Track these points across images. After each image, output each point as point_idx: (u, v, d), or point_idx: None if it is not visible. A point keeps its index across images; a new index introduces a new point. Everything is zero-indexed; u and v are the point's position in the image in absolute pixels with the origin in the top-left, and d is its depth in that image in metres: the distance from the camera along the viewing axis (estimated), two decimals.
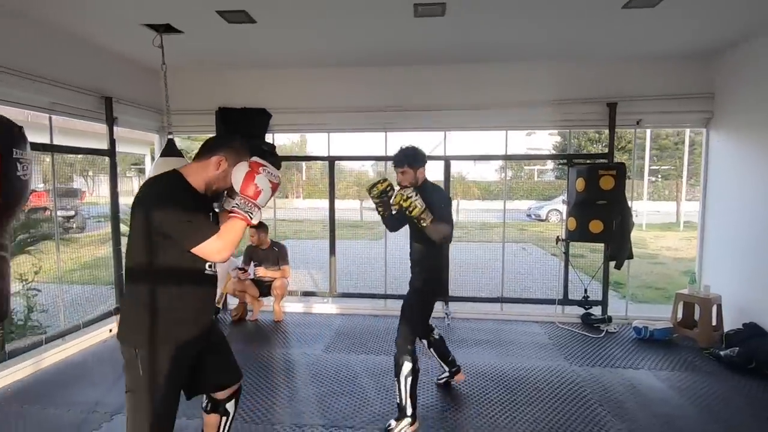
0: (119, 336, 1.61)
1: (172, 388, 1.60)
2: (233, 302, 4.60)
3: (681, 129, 14.12)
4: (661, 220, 14.42)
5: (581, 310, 4.37)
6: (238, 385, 1.92)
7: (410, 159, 2.52)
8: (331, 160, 4.63)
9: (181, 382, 1.64)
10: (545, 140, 25.97)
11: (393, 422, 2.41)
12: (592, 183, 3.87)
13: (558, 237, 4.41)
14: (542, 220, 15.46)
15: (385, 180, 2.66)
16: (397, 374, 2.39)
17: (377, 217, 2.77)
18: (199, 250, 1.51)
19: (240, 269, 4.34)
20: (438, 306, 4.53)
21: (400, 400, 2.39)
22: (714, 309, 3.78)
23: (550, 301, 4.50)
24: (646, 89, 4.15)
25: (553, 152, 18.24)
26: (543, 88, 4.27)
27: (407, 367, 2.38)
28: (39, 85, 3.21)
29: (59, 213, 3.89)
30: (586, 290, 4.34)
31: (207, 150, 1.63)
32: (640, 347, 3.73)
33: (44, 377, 3.14)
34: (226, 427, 1.96)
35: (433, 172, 4.78)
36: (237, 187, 1.58)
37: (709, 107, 4.09)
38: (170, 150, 3.59)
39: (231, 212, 1.57)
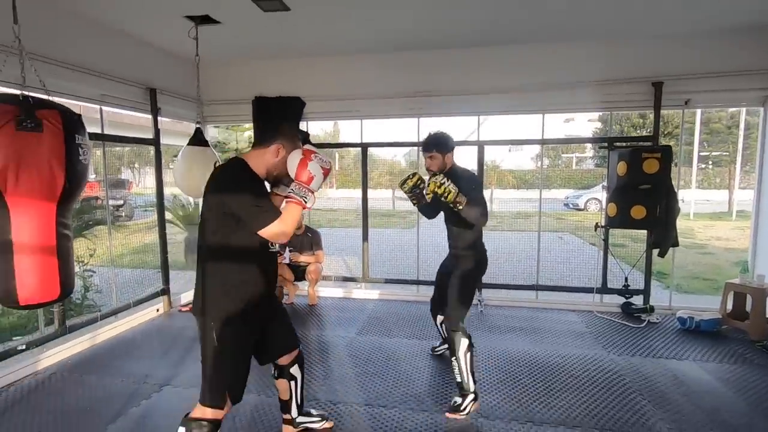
0: (194, 310, 1.77)
1: (241, 357, 1.78)
2: None
3: (735, 110, 13.18)
4: (711, 209, 13.60)
5: (621, 300, 4.23)
6: (297, 351, 2.10)
7: (439, 144, 2.56)
8: (364, 147, 4.66)
9: (250, 351, 1.82)
10: (584, 127, 24.97)
11: (458, 399, 2.45)
12: (634, 166, 3.70)
13: (597, 224, 4.26)
14: (580, 210, 14.95)
15: (415, 174, 2.69)
16: (455, 352, 2.44)
17: (409, 206, 2.84)
18: (265, 232, 1.63)
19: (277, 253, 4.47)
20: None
21: (462, 377, 2.42)
22: (767, 300, 3.56)
23: (588, 290, 4.37)
24: (695, 66, 3.89)
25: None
26: (583, 68, 4.10)
27: (464, 343, 2.43)
28: (90, 78, 3.40)
29: (110, 202, 4.15)
30: (626, 278, 4.18)
31: (266, 138, 1.76)
32: (684, 338, 3.57)
33: (99, 351, 3.38)
34: (297, 392, 2.15)
35: (467, 159, 4.74)
36: (292, 174, 1.71)
37: (767, 84, 3.80)
38: (197, 139, 3.72)
39: (287, 197, 1.70)
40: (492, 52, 4.22)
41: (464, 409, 2.40)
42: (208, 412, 1.72)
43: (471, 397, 2.41)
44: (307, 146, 1.74)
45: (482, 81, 4.27)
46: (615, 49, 4.03)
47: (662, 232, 3.87)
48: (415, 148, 4.60)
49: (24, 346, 2.91)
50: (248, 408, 2.52)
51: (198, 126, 3.79)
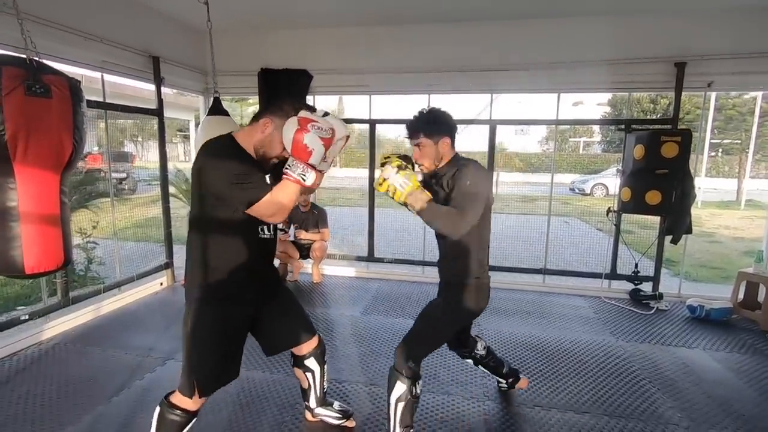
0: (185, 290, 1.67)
1: (218, 346, 1.61)
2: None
3: (750, 96, 12.88)
4: (719, 198, 13.44)
5: (629, 286, 4.17)
6: (314, 342, 1.97)
7: (428, 125, 1.83)
8: (372, 123, 4.54)
9: (228, 344, 1.64)
10: (593, 110, 24.51)
11: None
12: (652, 150, 3.59)
13: (609, 208, 4.16)
14: (586, 195, 14.81)
15: (389, 157, 1.82)
16: (388, 393, 1.84)
17: None
18: (253, 211, 1.49)
19: (281, 230, 4.42)
20: None
21: (388, 425, 1.86)
22: None
23: (597, 275, 4.31)
24: (720, 46, 3.72)
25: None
26: (601, 45, 3.93)
27: (400, 388, 1.80)
28: (92, 43, 3.28)
29: (113, 175, 4.07)
30: (636, 265, 4.11)
31: (257, 114, 1.61)
32: (694, 326, 3.52)
33: (103, 323, 3.36)
34: (317, 383, 2.04)
35: (477, 141, 4.61)
36: (288, 149, 1.50)
37: None
38: (216, 109, 3.63)
39: (283, 174, 1.50)
40: (506, 27, 4.05)
41: None
42: (185, 401, 1.60)
43: None
44: (304, 113, 1.48)
45: (496, 57, 4.11)
46: (635, 26, 3.84)
47: (676, 218, 3.78)
48: None
49: (27, 316, 2.88)
50: (256, 383, 2.50)
51: (216, 96, 3.68)
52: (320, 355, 2.01)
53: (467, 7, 3.69)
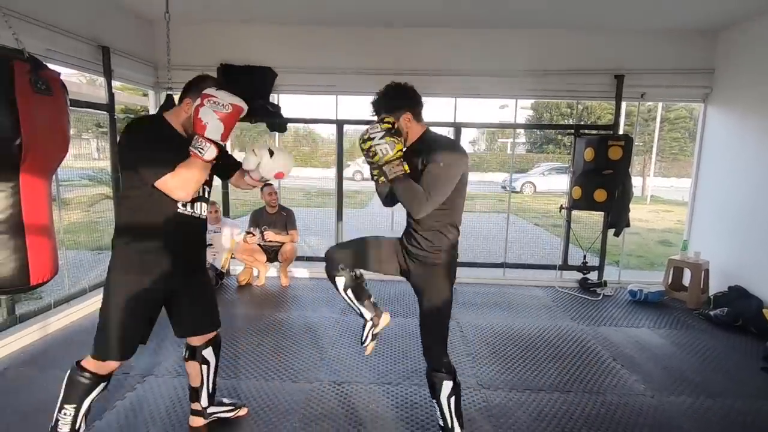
0: None
1: (124, 313, 1.64)
2: (235, 268, 4.54)
3: (652, 104, 14.68)
4: None
5: (578, 276, 4.61)
6: (213, 334, 1.98)
7: (387, 101, 1.74)
8: (340, 123, 4.53)
9: (136, 311, 1.66)
10: (518, 114, 26.30)
11: None
12: (600, 153, 4.01)
13: (561, 205, 4.56)
14: (516, 192, 15.91)
15: (383, 118, 1.70)
16: (437, 395, 1.83)
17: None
18: (160, 185, 1.54)
19: (248, 233, 4.26)
20: None
21: (444, 423, 1.84)
22: (702, 274, 4.08)
23: (552, 267, 4.70)
24: (651, 62, 4.26)
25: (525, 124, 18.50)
26: (552, 57, 4.29)
27: (447, 386, 1.81)
28: (35, 28, 2.92)
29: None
30: (585, 256, 4.56)
31: (180, 95, 1.68)
32: (636, 308, 4.00)
33: (56, 342, 3.01)
34: (210, 378, 2.03)
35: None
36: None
37: (708, 83, 4.27)
38: (169, 105, 3.38)
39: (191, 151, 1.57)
40: (470, 35, 4.27)
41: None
42: (92, 363, 1.68)
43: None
44: (207, 90, 1.53)
45: (459, 63, 4.32)
46: (582, 40, 4.26)
47: (618, 214, 4.25)
48: None
49: None
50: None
51: (170, 93, 3.42)
52: (217, 346, 2.03)
53: (433, 11, 3.84)
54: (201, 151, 1.53)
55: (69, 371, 1.70)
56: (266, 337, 3.16)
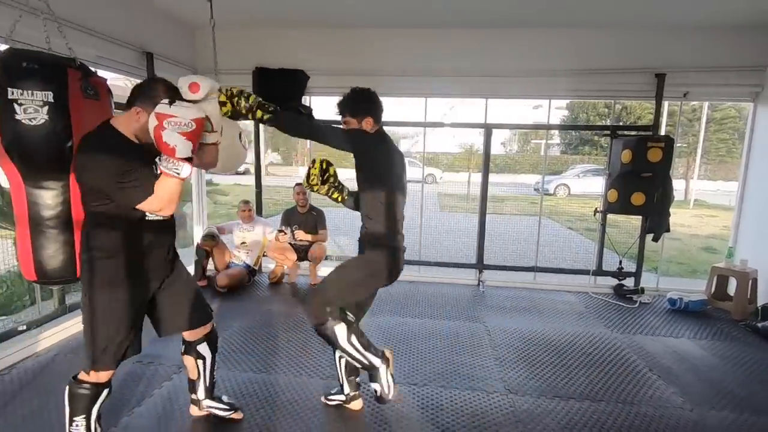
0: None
1: (116, 327, 1.61)
2: (267, 265, 4.66)
3: (697, 103, 13.95)
4: None
5: (613, 282, 4.45)
6: (207, 328, 1.97)
7: (352, 104, 1.92)
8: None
9: (127, 324, 1.64)
10: (553, 114, 25.64)
11: (374, 385, 1.99)
12: (639, 155, 3.86)
13: (596, 209, 4.42)
14: (550, 195, 15.50)
15: (313, 161, 2.06)
16: (335, 345, 1.92)
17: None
18: (142, 208, 1.51)
19: (279, 231, 4.37)
20: (472, 274, 4.62)
21: (359, 362, 1.94)
22: (750, 283, 3.86)
23: (585, 272, 4.57)
24: (695, 59, 4.06)
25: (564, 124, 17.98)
26: (590, 56, 4.17)
27: (341, 330, 1.89)
28: (88, 38, 3.12)
29: None
30: (620, 261, 4.40)
31: (128, 99, 1.56)
32: (675, 317, 3.82)
33: None
34: (207, 373, 2.05)
35: (444, 141, 4.67)
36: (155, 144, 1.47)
37: (759, 80, 4.03)
38: None
39: (160, 167, 1.49)
40: (502, 36, 4.21)
41: (387, 390, 1.97)
42: (85, 374, 1.66)
43: (382, 370, 1.95)
44: (160, 107, 1.42)
45: (491, 64, 4.27)
46: (620, 38, 4.11)
47: (657, 218, 4.08)
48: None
49: (24, 327, 2.71)
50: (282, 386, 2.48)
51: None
52: (213, 341, 2.03)
53: (469, 10, 3.81)
54: (177, 171, 1.46)
55: (68, 386, 1.68)
56: (296, 334, 3.23)
